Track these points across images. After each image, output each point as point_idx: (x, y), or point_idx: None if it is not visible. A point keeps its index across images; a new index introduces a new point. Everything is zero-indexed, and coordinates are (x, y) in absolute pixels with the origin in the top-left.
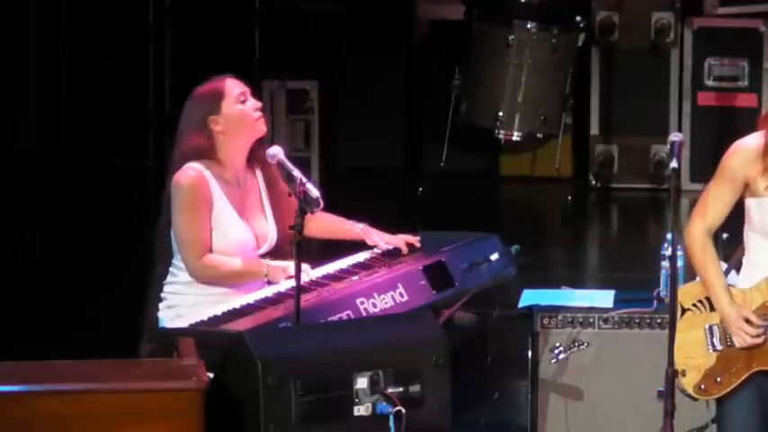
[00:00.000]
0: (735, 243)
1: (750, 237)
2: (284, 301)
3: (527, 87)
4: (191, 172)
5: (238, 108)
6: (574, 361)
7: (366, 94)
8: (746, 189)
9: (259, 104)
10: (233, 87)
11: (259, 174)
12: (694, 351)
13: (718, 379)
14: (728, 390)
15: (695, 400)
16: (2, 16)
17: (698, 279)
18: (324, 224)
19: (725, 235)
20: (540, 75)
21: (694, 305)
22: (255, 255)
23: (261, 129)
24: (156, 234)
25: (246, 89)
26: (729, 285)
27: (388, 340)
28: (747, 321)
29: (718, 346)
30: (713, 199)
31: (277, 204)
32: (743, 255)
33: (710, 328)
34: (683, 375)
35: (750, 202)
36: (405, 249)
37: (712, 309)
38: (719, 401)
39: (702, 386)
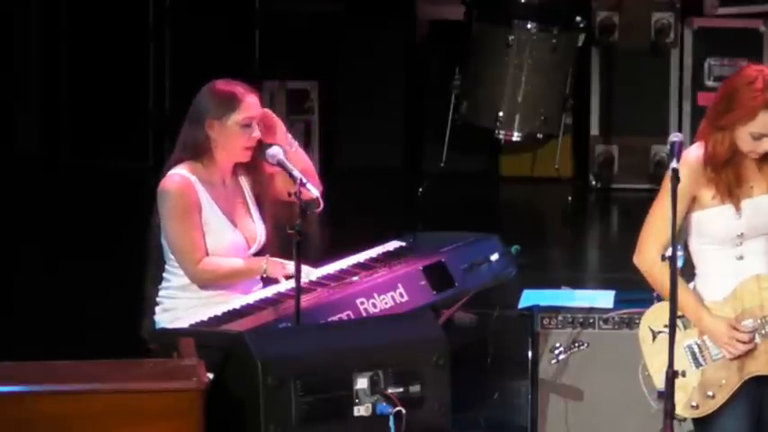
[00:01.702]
0: None
1: (703, 249)
2: (284, 301)
3: (527, 87)
4: (176, 178)
5: (237, 130)
6: (574, 361)
7: (366, 94)
8: (694, 202)
9: (258, 137)
10: (248, 108)
11: (242, 174)
12: (677, 372)
13: (710, 393)
14: (722, 402)
15: (683, 420)
16: (2, 16)
17: (662, 303)
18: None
19: None
20: (540, 75)
21: (666, 326)
22: (247, 255)
23: (244, 158)
24: (149, 235)
25: (257, 115)
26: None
27: (388, 340)
28: (735, 330)
29: (702, 363)
30: (662, 219)
31: (263, 203)
32: (693, 269)
33: (690, 346)
34: (683, 376)
35: (699, 216)
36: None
37: (686, 327)
38: (706, 416)
39: (694, 404)
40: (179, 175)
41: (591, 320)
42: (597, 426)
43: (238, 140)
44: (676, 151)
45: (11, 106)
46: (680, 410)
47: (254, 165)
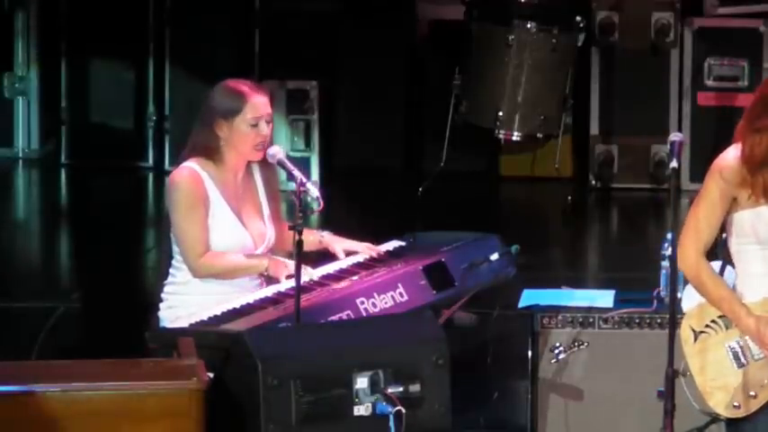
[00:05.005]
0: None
1: (743, 250)
2: (284, 300)
3: (527, 87)
4: (185, 171)
5: (245, 130)
6: (574, 361)
7: (366, 94)
8: (734, 203)
9: (267, 134)
10: (254, 107)
11: (257, 172)
12: (719, 371)
13: (752, 393)
14: (764, 402)
15: (730, 420)
16: (2, 16)
17: (704, 302)
18: (289, 238)
19: (724, 235)
20: (540, 75)
21: (708, 326)
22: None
23: (256, 157)
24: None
25: (265, 114)
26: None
27: (388, 340)
28: None
29: (744, 362)
30: (703, 219)
31: (274, 204)
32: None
33: (731, 346)
34: (683, 375)
35: (742, 215)
36: (367, 255)
37: (728, 327)
38: (742, 417)
39: (736, 404)
40: (188, 168)
41: (591, 320)
42: (597, 426)
43: (247, 139)
44: (676, 151)
45: (11, 106)
46: (722, 411)
47: (266, 162)
